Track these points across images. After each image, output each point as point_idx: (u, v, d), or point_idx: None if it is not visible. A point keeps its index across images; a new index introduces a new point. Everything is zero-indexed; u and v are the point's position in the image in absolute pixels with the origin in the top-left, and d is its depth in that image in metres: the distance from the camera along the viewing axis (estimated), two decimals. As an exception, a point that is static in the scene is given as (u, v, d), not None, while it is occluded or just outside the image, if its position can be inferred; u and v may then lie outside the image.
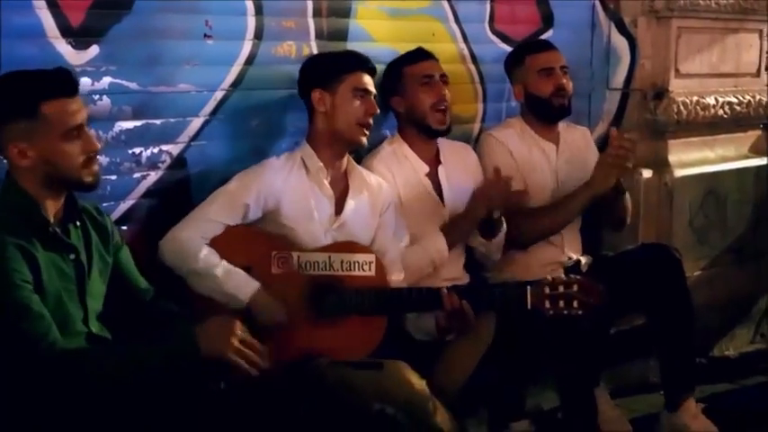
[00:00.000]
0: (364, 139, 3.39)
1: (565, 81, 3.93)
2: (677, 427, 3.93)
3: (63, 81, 2.57)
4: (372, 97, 3.36)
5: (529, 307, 3.18)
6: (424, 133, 3.79)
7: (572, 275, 3.28)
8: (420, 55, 3.79)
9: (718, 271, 5.06)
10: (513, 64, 4.04)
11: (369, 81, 3.35)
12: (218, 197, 3.20)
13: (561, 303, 3.17)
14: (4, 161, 2.63)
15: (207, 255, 3.09)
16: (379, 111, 3.43)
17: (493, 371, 3.47)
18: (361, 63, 3.36)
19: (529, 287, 3.19)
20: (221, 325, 2.59)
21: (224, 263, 3.09)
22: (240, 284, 3.08)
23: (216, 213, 3.17)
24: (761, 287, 5.33)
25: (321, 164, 3.32)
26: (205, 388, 2.61)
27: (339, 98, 3.29)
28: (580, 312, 3.20)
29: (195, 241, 3.10)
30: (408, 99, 3.75)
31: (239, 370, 2.55)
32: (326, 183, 3.33)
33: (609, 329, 4.10)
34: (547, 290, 3.17)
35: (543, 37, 4.57)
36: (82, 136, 2.57)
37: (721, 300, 5.05)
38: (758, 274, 5.31)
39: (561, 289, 3.17)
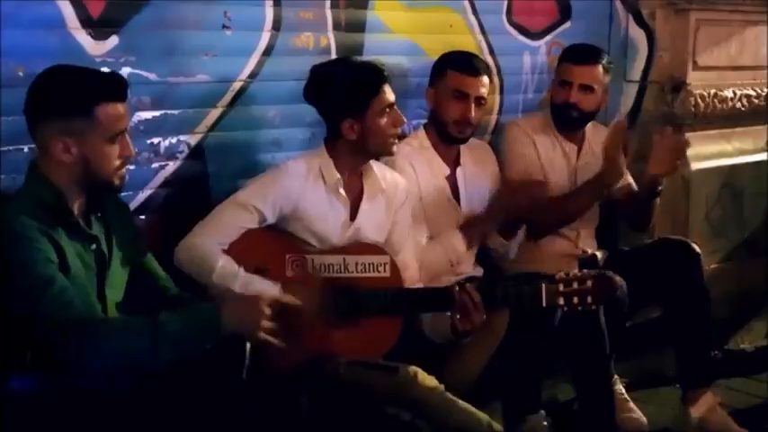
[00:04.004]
0: (395, 149, 3.36)
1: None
2: (695, 421, 3.91)
3: (118, 86, 2.60)
4: (396, 107, 3.31)
5: (544, 304, 3.15)
6: (443, 136, 3.78)
7: (586, 270, 3.24)
8: (468, 67, 3.71)
9: (734, 264, 5.07)
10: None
11: (390, 92, 3.28)
12: (234, 203, 3.17)
13: (576, 299, 3.13)
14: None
15: (224, 265, 3.06)
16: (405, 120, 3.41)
17: (507, 364, 3.47)
18: (381, 78, 3.27)
19: (543, 285, 3.15)
20: (249, 303, 2.62)
21: (241, 272, 3.06)
22: (262, 288, 3.05)
23: (232, 220, 3.14)
24: (775, 280, 5.30)
25: (338, 176, 3.28)
26: (227, 379, 2.58)
27: (369, 122, 3.23)
28: (594, 307, 3.19)
29: (212, 250, 3.09)
30: (438, 101, 3.74)
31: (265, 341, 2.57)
32: (342, 192, 3.30)
33: (626, 322, 4.07)
34: (561, 287, 3.13)
35: (561, 29, 4.60)
36: (122, 141, 2.60)
37: (737, 293, 5.05)
38: (772, 268, 5.29)
39: (575, 285, 3.13)
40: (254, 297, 2.68)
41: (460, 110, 3.67)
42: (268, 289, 3.04)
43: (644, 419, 4.00)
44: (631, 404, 4.03)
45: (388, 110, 3.27)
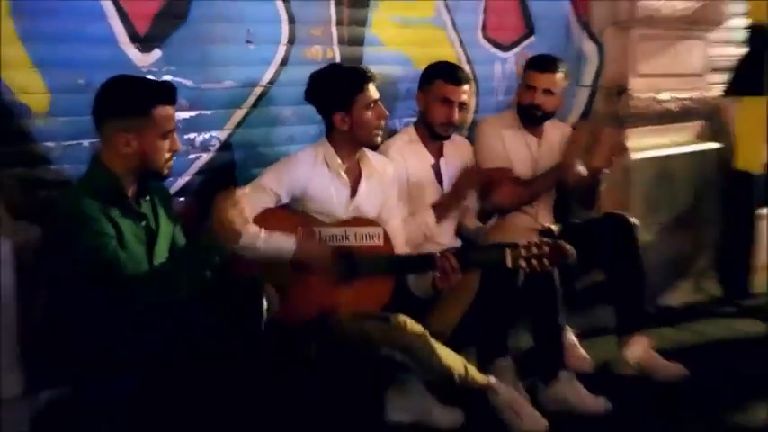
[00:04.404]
0: (379, 140, 3.38)
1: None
2: (630, 361, 3.93)
3: (171, 92, 2.68)
4: (380, 102, 3.32)
5: (509, 266, 3.20)
6: (430, 134, 3.77)
7: (544, 238, 3.29)
8: (453, 77, 3.69)
9: (666, 236, 5.04)
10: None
11: (374, 90, 3.30)
12: (256, 187, 3.17)
13: (535, 262, 3.19)
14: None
15: (247, 232, 2.97)
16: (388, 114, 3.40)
17: (479, 316, 3.48)
18: (365, 78, 3.29)
19: (508, 250, 3.20)
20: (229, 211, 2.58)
21: (262, 233, 3.08)
22: (282, 241, 3.09)
23: (254, 200, 3.09)
24: (700, 249, 5.31)
25: (340, 161, 3.31)
26: (248, 332, 2.59)
27: (356, 115, 3.26)
28: (550, 269, 3.25)
29: None
30: (426, 104, 3.72)
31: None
32: (344, 174, 3.32)
33: (575, 283, 4.08)
34: (523, 252, 3.19)
35: (526, 43, 4.57)
36: (171, 137, 2.66)
37: (668, 259, 5.04)
38: (698, 239, 5.29)
39: (535, 251, 3.19)
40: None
41: (446, 114, 3.66)
42: (284, 241, 3.09)
43: (590, 360, 4.00)
44: (580, 349, 4.02)
45: (372, 105, 3.29)
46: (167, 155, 2.67)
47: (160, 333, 2.53)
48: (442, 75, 3.70)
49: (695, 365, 4.08)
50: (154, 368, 2.55)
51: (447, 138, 3.80)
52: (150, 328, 2.53)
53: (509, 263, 3.19)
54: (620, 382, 3.86)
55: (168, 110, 2.65)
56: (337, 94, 3.27)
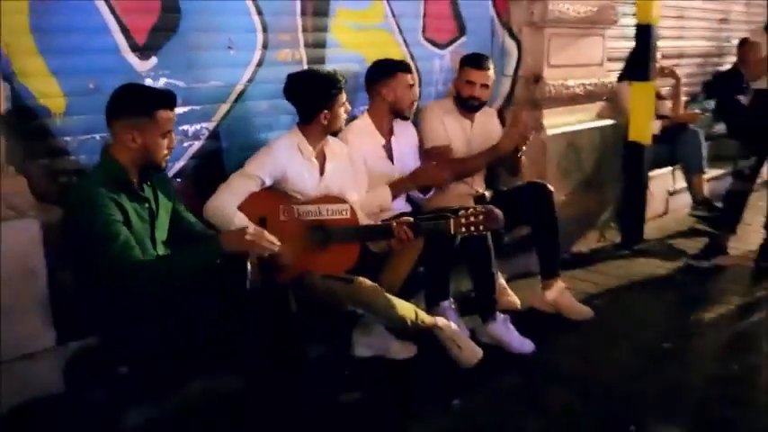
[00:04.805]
0: (343, 127, 3.42)
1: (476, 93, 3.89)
2: (550, 300, 3.97)
3: (172, 98, 2.66)
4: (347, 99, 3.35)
5: (452, 232, 3.23)
6: (398, 116, 3.77)
7: (479, 207, 3.31)
8: (407, 68, 3.75)
9: (576, 196, 5.09)
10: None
11: (344, 91, 3.34)
12: (242, 175, 3.16)
13: (472, 228, 3.22)
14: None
15: (239, 221, 3.03)
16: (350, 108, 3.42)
17: (425, 269, 3.52)
18: (342, 82, 3.30)
19: (452, 220, 3.21)
20: (237, 230, 2.68)
21: (250, 224, 2.97)
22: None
23: (241, 186, 3.14)
24: (603, 205, 5.36)
25: (311, 148, 3.30)
26: (235, 290, 2.60)
27: (335, 112, 3.27)
28: (484, 232, 3.29)
29: (229, 209, 3.07)
30: (397, 94, 3.69)
31: (258, 250, 2.63)
32: (314, 160, 3.31)
33: (504, 237, 4.08)
34: (462, 220, 3.21)
35: (459, 42, 4.54)
36: (169, 136, 2.65)
37: (578, 214, 5.07)
38: (602, 197, 5.34)
39: (472, 219, 3.21)
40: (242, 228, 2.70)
41: (413, 95, 3.76)
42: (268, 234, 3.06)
43: (517, 301, 4.04)
44: (509, 291, 4.07)
45: (344, 104, 3.31)
46: (165, 151, 2.66)
47: (171, 295, 2.55)
48: (402, 67, 3.74)
49: (600, 299, 4.19)
50: (166, 321, 2.56)
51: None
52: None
53: (452, 230, 3.22)
54: (541, 320, 3.91)
55: (169, 113, 2.64)
56: (324, 97, 3.26)
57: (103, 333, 2.66)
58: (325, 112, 3.25)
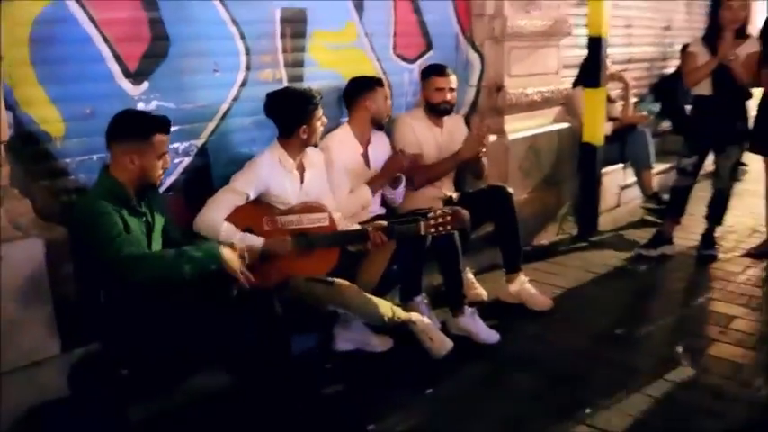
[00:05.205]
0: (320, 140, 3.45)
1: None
2: (513, 293, 4.00)
3: (166, 124, 2.68)
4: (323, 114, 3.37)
5: (422, 233, 3.26)
6: (376, 125, 3.81)
7: (447, 209, 3.34)
8: (382, 83, 3.83)
9: (536, 194, 5.14)
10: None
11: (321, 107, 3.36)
12: (229, 190, 3.16)
13: (441, 229, 3.26)
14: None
15: (226, 231, 3.06)
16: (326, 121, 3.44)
17: (399, 267, 3.54)
18: (318, 99, 3.32)
19: (422, 223, 3.25)
20: (234, 255, 2.65)
21: (238, 233, 3.07)
22: (253, 240, 3.08)
23: (228, 201, 3.14)
24: (561, 201, 5.41)
25: (292, 160, 3.30)
26: (222, 292, 2.64)
27: (313, 127, 3.29)
28: (452, 231, 3.32)
29: (217, 221, 3.08)
30: (378, 106, 3.75)
31: (240, 281, 2.63)
32: (295, 171, 3.32)
33: (471, 235, 4.05)
34: (432, 221, 3.25)
35: (426, 56, 4.53)
36: (164, 158, 2.66)
37: (539, 210, 5.13)
38: (560, 194, 5.39)
39: (440, 220, 3.25)
40: (236, 252, 2.69)
41: (389, 107, 3.86)
42: (255, 241, 3.08)
43: (484, 293, 4.08)
44: (476, 284, 4.10)
45: (320, 118, 3.32)
46: (160, 171, 2.67)
47: (166, 299, 2.57)
48: (380, 82, 3.82)
49: (560, 289, 4.24)
50: (162, 326, 2.59)
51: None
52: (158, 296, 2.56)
53: (422, 232, 3.25)
54: (506, 310, 3.95)
55: (164, 137, 2.65)
56: (302, 113, 3.27)
57: (105, 339, 2.67)
58: (304, 126, 3.26)
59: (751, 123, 4.62)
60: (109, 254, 2.46)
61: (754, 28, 4.74)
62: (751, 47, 4.38)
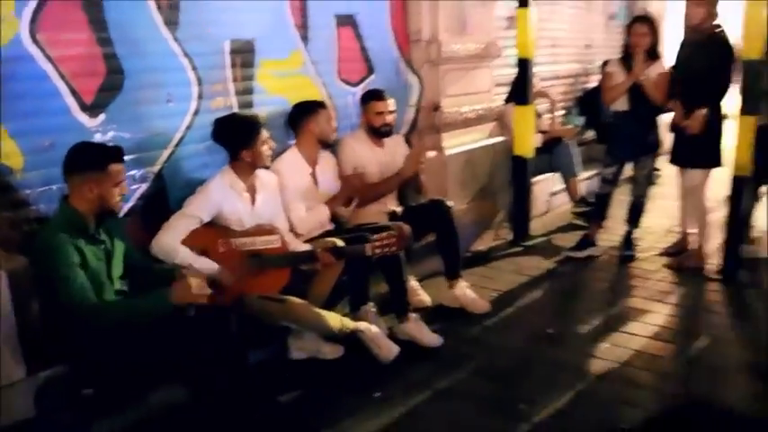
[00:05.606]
0: (270, 163, 3.41)
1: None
2: (454, 297, 4.03)
3: (121, 154, 2.64)
4: (269, 138, 3.33)
5: (368, 254, 3.30)
6: (323, 145, 3.80)
7: (392, 231, 3.38)
8: (324, 105, 3.82)
9: (474, 203, 5.19)
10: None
11: (266, 131, 3.31)
12: (184, 215, 3.14)
13: (386, 249, 3.29)
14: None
15: (182, 254, 3.04)
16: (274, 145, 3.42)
17: (348, 280, 3.56)
18: (260, 124, 3.30)
19: (368, 245, 3.28)
20: (182, 285, 2.62)
21: (196, 257, 3.04)
22: (208, 264, 3.06)
23: (183, 225, 3.12)
24: (497, 209, 5.48)
25: (242, 183, 3.28)
26: (179, 315, 2.63)
27: (256, 150, 3.26)
28: (396, 249, 3.35)
29: (173, 244, 3.06)
30: (322, 127, 3.74)
31: (201, 300, 2.63)
32: (246, 193, 3.30)
33: (413, 245, 4.05)
34: (377, 243, 3.28)
35: (369, 80, 4.57)
36: (121, 186, 2.63)
37: (476, 219, 5.19)
38: (495, 203, 5.45)
39: (385, 241, 3.28)
40: (185, 281, 2.64)
41: (333, 128, 3.86)
42: (210, 265, 3.07)
43: (428, 299, 4.10)
44: (420, 291, 4.12)
45: (266, 140, 3.31)
46: (118, 198, 2.64)
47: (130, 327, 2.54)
48: (323, 105, 3.80)
49: (496, 292, 4.29)
50: (123, 345, 2.55)
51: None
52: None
53: (369, 253, 3.28)
54: (448, 314, 3.97)
55: (119, 166, 2.62)
56: (244, 137, 3.25)
57: (68, 361, 2.62)
58: (247, 150, 3.25)
59: (663, 136, 4.77)
60: (64, 297, 2.44)
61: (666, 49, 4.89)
62: (660, 68, 4.52)
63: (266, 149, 3.31)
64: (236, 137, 3.26)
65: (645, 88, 4.48)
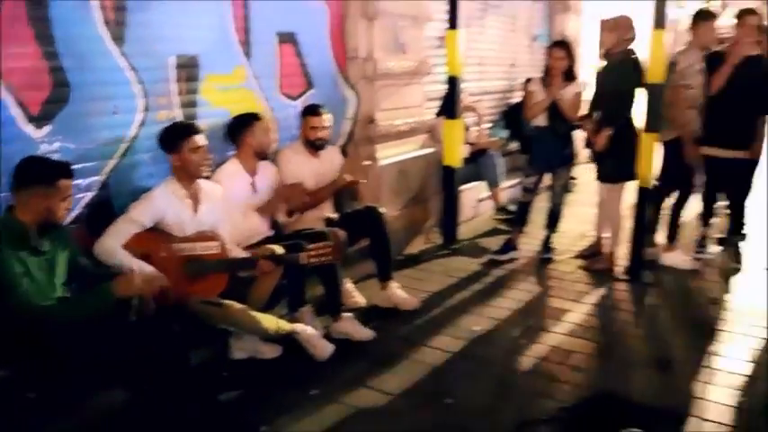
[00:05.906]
0: (204, 173, 3.39)
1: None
2: (387, 297, 4.09)
3: (69, 169, 2.60)
4: (204, 149, 3.29)
5: (304, 263, 3.32)
6: (261, 157, 3.79)
7: (328, 241, 3.42)
8: (260, 117, 3.78)
9: (406, 210, 5.27)
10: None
11: (199, 138, 3.26)
12: (127, 219, 3.11)
13: (322, 258, 3.32)
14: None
15: (122, 257, 3.01)
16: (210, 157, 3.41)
17: (286, 284, 3.56)
18: (189, 130, 3.27)
19: (303, 254, 3.30)
20: (125, 277, 2.62)
21: (134, 260, 3.01)
22: (145, 269, 3.01)
23: (125, 229, 3.09)
24: (427, 215, 5.57)
25: (184, 191, 3.27)
26: (120, 321, 2.61)
27: (183, 156, 3.23)
28: (332, 259, 3.37)
29: (114, 248, 3.03)
30: (258, 139, 3.73)
31: (147, 290, 2.64)
32: (187, 200, 3.28)
33: (347, 250, 4.06)
34: (313, 252, 3.31)
35: (308, 93, 4.58)
36: (68, 199, 2.59)
37: (409, 224, 5.27)
38: (426, 209, 5.55)
39: (321, 251, 3.31)
40: (128, 275, 2.65)
41: (270, 140, 3.85)
42: (147, 268, 3.02)
43: (362, 300, 4.13)
44: (355, 293, 4.15)
45: (197, 149, 3.25)
46: (64, 211, 2.61)
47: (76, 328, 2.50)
48: (257, 117, 3.77)
49: (426, 292, 4.37)
50: (66, 348, 2.51)
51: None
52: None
53: (304, 262, 3.31)
54: (381, 313, 4.02)
55: (68, 182, 2.59)
56: (170, 143, 3.24)
57: (11, 365, 2.55)
58: (174, 155, 3.24)
59: (577, 149, 4.96)
60: (13, 299, 2.40)
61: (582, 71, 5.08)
62: (576, 88, 4.71)
63: (197, 157, 3.26)
64: (165, 141, 3.27)
65: (561, 107, 4.66)
